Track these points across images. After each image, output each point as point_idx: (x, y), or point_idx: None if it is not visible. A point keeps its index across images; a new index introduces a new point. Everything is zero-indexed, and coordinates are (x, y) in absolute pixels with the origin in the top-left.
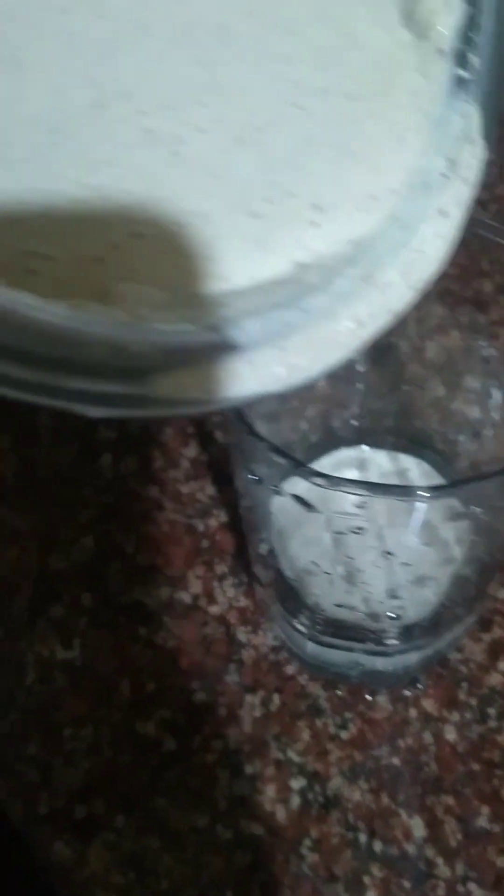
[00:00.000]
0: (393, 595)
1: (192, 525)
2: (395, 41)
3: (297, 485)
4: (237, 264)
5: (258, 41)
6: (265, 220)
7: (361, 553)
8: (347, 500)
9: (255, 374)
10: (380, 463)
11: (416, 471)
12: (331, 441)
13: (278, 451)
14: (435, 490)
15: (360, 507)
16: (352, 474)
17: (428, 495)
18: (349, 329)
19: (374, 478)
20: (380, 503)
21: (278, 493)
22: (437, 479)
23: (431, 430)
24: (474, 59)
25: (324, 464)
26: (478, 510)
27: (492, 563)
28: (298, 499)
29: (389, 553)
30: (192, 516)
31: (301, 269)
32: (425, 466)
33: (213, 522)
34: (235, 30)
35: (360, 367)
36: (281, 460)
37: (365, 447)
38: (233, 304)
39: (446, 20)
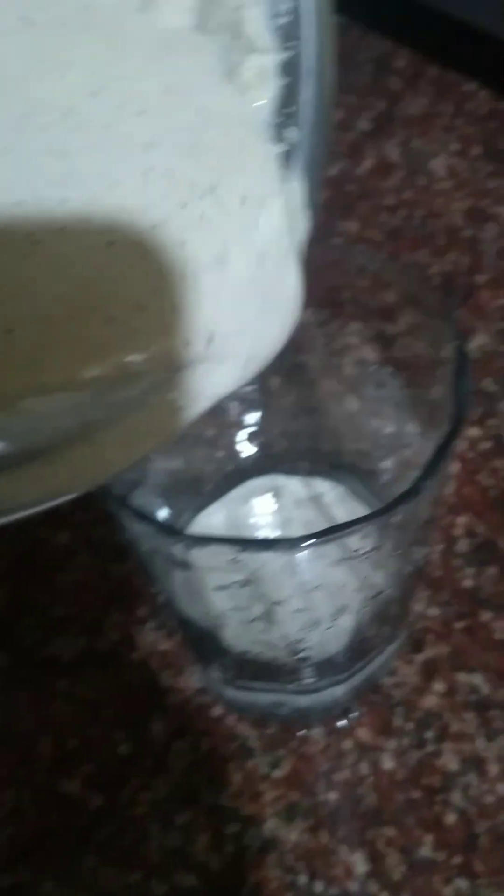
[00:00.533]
0: (296, 639)
1: (107, 569)
2: (247, 108)
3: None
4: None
5: (110, 126)
6: (113, 329)
7: (254, 603)
8: (221, 556)
9: None
10: (293, 490)
11: (330, 495)
12: (244, 470)
13: (132, 510)
14: (306, 541)
15: (234, 562)
16: (266, 503)
17: (305, 544)
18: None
19: (289, 506)
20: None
21: (155, 551)
22: (353, 502)
23: (346, 449)
24: (292, 132)
25: (235, 495)
26: (367, 546)
27: (407, 583)
28: (173, 558)
29: (277, 602)
30: (107, 560)
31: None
32: (341, 490)
33: (129, 565)
34: (83, 113)
35: (272, 389)
36: (137, 520)
37: (278, 474)
38: None
39: (263, 93)
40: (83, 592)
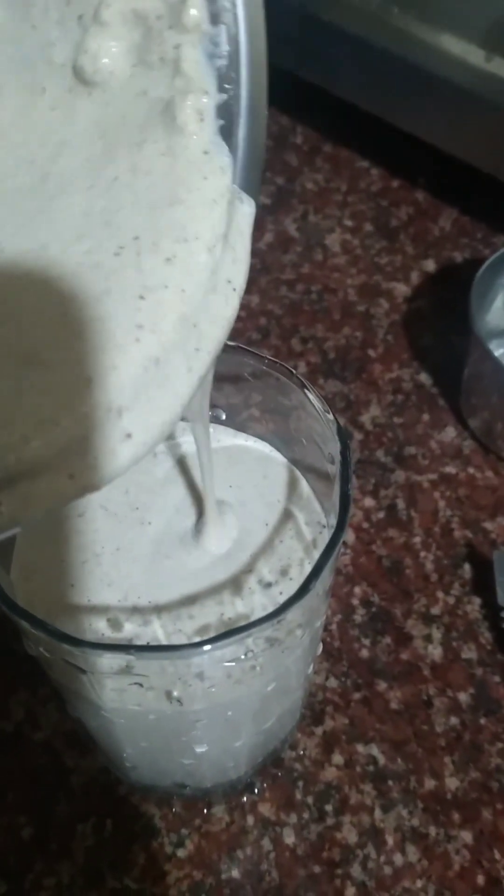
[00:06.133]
0: (192, 731)
1: (11, 648)
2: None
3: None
4: None
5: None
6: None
7: (151, 701)
8: (115, 662)
9: None
10: None
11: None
12: None
13: (26, 618)
14: (199, 646)
15: (129, 665)
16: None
17: (205, 649)
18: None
19: None
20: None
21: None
22: None
23: None
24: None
25: None
26: (258, 647)
27: (304, 668)
28: (67, 662)
29: (177, 700)
30: (11, 639)
31: None
32: None
33: None
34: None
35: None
36: (32, 627)
37: None
38: None
39: (200, 133)
40: None
